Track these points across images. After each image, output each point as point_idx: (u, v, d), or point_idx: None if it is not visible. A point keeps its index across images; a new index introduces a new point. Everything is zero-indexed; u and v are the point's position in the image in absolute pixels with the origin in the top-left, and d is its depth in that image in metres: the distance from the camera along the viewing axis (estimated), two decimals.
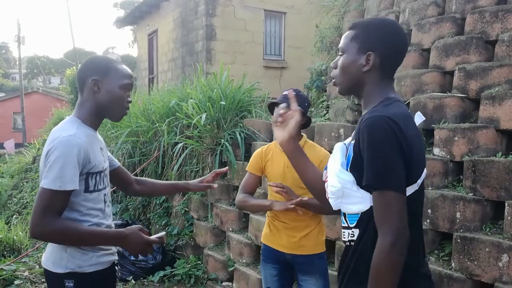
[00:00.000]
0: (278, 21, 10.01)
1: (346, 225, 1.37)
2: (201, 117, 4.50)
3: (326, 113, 4.55)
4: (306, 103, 2.35)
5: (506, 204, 2.45)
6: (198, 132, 4.65)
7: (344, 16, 5.56)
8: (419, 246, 1.32)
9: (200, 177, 4.74)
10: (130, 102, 1.79)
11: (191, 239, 4.69)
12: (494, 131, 2.80)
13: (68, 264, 1.63)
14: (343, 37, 1.41)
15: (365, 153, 1.22)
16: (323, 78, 5.24)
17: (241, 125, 4.65)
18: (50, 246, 1.71)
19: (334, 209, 1.39)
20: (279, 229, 2.36)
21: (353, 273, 1.32)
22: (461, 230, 2.59)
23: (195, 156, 4.82)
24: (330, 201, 1.37)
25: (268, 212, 2.43)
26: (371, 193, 1.25)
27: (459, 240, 2.53)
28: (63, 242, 1.61)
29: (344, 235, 1.39)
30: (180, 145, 4.78)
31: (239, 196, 2.42)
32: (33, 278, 4.22)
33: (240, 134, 4.44)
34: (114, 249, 1.80)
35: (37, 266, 4.53)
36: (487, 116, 2.89)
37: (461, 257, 2.50)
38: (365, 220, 1.29)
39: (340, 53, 1.41)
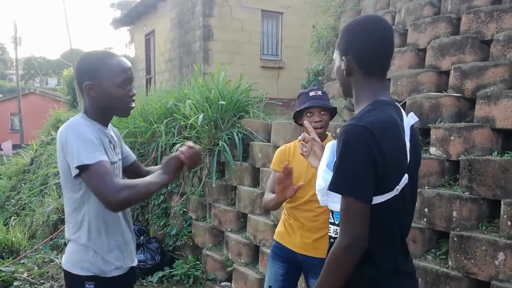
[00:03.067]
0: (275, 21, 10.02)
1: (332, 221, 1.44)
2: (198, 118, 4.51)
3: None
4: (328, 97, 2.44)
5: (502, 203, 2.47)
6: (196, 132, 4.66)
7: (340, 16, 5.58)
8: (396, 247, 1.36)
9: (199, 177, 4.80)
10: (134, 95, 1.74)
11: (190, 240, 4.70)
12: (489, 130, 2.82)
13: (90, 267, 1.63)
14: None
15: (337, 159, 1.29)
16: (320, 78, 5.26)
17: (239, 126, 4.67)
18: (71, 248, 1.68)
19: (321, 205, 1.45)
20: (294, 228, 2.34)
21: None
22: (458, 229, 2.61)
23: None
24: (318, 197, 1.44)
25: (284, 210, 2.41)
26: None
27: (455, 239, 2.55)
28: (138, 198, 1.57)
29: (330, 230, 1.46)
30: (178, 145, 4.78)
31: (264, 197, 2.35)
32: (32, 280, 4.22)
33: (237, 135, 4.45)
34: (134, 253, 1.82)
35: (36, 268, 4.54)
36: (483, 116, 2.91)
37: (458, 255, 2.52)
38: None
39: None
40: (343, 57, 1.39)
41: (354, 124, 1.26)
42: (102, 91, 1.63)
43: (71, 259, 1.66)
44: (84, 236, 1.64)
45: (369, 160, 1.23)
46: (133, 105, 1.73)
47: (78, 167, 1.50)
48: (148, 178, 1.62)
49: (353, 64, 1.37)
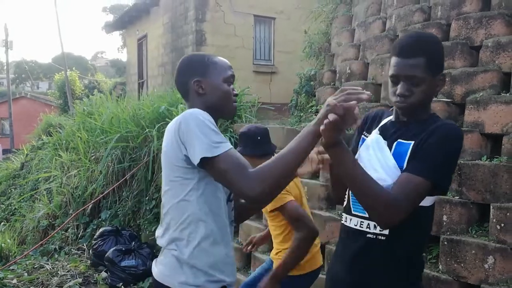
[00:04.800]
0: (268, 26, 10.06)
1: (367, 215, 1.43)
2: None
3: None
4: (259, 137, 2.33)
5: (491, 207, 2.50)
6: None
7: (332, 22, 5.63)
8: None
9: None
10: (237, 95, 1.64)
11: None
12: (479, 135, 2.85)
13: (188, 279, 1.46)
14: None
15: (440, 148, 1.34)
16: (312, 83, 5.28)
17: (231, 130, 4.67)
18: (164, 260, 1.52)
19: None
20: None
21: (387, 270, 1.42)
22: (448, 233, 2.63)
23: None
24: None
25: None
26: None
27: (446, 243, 2.57)
28: (279, 182, 1.33)
29: (362, 225, 1.46)
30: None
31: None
32: (22, 286, 4.17)
33: (230, 139, 4.45)
34: (226, 272, 1.53)
35: (26, 274, 4.49)
36: (472, 121, 2.95)
37: (448, 259, 2.54)
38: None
39: None
40: (441, 75, 1.43)
41: (456, 125, 1.42)
42: (211, 87, 1.54)
43: (165, 271, 1.48)
44: (193, 243, 1.46)
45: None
46: (236, 106, 1.63)
47: (205, 158, 1.33)
48: (281, 152, 1.34)
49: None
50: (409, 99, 1.39)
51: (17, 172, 10.75)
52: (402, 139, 1.43)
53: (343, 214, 1.59)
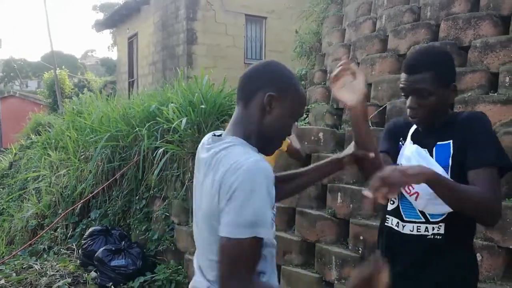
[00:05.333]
0: (259, 25, 10.07)
1: (423, 220, 1.51)
2: (181, 122, 4.49)
3: (306, 117, 4.60)
4: None
5: None
6: (179, 136, 4.63)
7: (323, 22, 5.65)
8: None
9: (181, 181, 4.77)
10: (289, 135, 1.36)
11: (172, 244, 4.66)
12: None
13: None
14: None
15: (486, 136, 1.43)
16: (303, 82, 5.30)
17: (222, 129, 4.66)
18: None
19: (420, 209, 1.51)
20: None
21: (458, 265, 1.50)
22: None
23: (176, 160, 4.81)
24: (419, 202, 1.49)
25: None
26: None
27: None
28: None
29: (420, 229, 1.52)
30: (160, 149, 4.75)
31: None
32: (10, 286, 4.13)
33: None
34: None
35: (14, 274, 4.44)
36: None
37: None
38: (453, 215, 1.44)
39: None
40: (452, 85, 1.49)
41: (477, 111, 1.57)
42: (278, 112, 1.24)
43: None
44: None
45: None
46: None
47: (226, 238, 1.10)
48: None
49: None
50: (419, 111, 1.49)
51: (5, 172, 10.63)
52: (440, 141, 1.51)
53: (389, 217, 1.61)
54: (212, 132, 1.31)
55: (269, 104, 1.23)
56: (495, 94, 2.95)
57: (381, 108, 3.58)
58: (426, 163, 1.45)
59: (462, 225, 1.47)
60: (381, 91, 3.72)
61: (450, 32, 3.57)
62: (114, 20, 13.14)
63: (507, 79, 2.93)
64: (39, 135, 9.42)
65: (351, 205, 3.10)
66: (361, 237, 2.92)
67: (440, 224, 1.48)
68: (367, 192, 1.24)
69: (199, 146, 1.32)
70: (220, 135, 1.30)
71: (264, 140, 1.27)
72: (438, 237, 1.49)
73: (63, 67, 19.46)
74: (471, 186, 1.36)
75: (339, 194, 3.19)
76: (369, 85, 4.04)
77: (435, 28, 3.78)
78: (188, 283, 4.75)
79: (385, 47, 4.16)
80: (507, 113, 2.78)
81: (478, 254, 2.38)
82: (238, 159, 1.12)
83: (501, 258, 2.39)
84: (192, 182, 4.45)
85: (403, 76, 1.51)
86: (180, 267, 4.43)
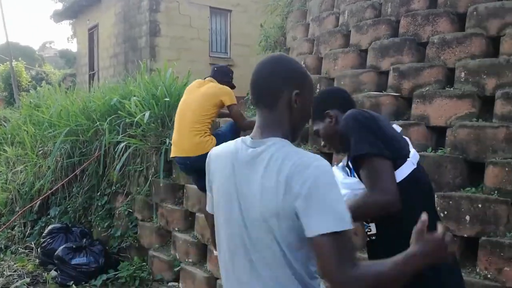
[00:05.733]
0: (224, 18, 10.00)
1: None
2: (144, 115, 4.41)
3: None
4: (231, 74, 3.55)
5: (435, 196, 2.62)
6: (142, 130, 4.55)
7: (287, 16, 5.67)
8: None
9: (145, 177, 4.69)
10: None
11: (135, 241, 4.58)
12: (424, 128, 2.98)
13: None
14: None
15: (353, 137, 1.53)
16: None
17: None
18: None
19: None
20: None
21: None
22: None
23: (139, 155, 4.72)
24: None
25: None
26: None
27: None
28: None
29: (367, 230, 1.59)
30: (122, 144, 4.65)
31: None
32: None
33: None
34: None
35: None
36: (419, 114, 3.07)
37: None
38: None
39: None
40: (325, 114, 1.67)
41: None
42: (303, 101, 1.28)
43: None
44: None
45: None
46: None
47: (324, 234, 1.10)
48: (391, 260, 1.13)
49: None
50: (325, 143, 1.81)
51: None
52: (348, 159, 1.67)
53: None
54: (240, 138, 1.31)
55: (295, 102, 1.26)
56: (451, 88, 3.06)
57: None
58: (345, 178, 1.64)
59: (390, 223, 1.48)
60: (343, 85, 3.78)
61: (410, 28, 3.67)
62: (73, 11, 12.70)
63: (463, 74, 3.04)
64: None
65: None
66: None
67: (371, 223, 1.55)
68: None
69: (232, 150, 1.30)
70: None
71: (296, 133, 1.32)
72: (373, 237, 1.56)
73: (19, 59, 18.66)
74: (362, 194, 1.48)
75: None
76: (331, 79, 4.10)
77: (395, 24, 3.87)
78: (153, 279, 4.66)
79: (348, 42, 4.22)
80: (462, 107, 2.89)
81: None
82: (302, 158, 1.16)
83: (457, 246, 2.49)
84: (156, 177, 4.33)
85: None
86: (144, 263, 4.37)
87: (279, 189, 1.14)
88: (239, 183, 1.23)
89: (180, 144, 3.31)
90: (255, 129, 1.29)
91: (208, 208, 1.41)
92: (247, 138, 1.28)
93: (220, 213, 1.30)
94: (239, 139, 1.31)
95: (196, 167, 3.23)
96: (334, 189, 1.13)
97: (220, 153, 1.33)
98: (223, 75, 3.55)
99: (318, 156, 1.19)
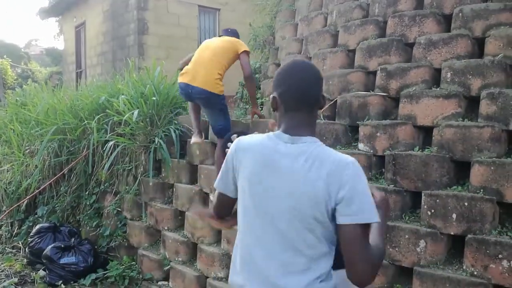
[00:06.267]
0: (212, 17, 9.98)
1: None
2: (133, 114, 4.39)
3: (261, 110, 4.64)
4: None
5: (422, 194, 2.67)
6: (130, 129, 4.53)
7: (276, 16, 5.69)
8: None
9: (134, 176, 4.67)
10: None
11: (125, 240, 4.57)
12: (412, 127, 3.03)
13: None
14: None
15: None
16: (257, 75, 5.32)
17: (176, 122, 4.60)
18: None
19: None
20: None
21: None
22: None
23: (127, 154, 4.70)
24: None
25: None
26: None
27: None
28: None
29: None
30: (111, 143, 4.63)
31: None
32: None
33: (174, 131, 4.39)
34: None
35: None
36: (406, 114, 3.12)
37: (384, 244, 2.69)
38: None
39: None
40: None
41: None
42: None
43: None
44: None
45: None
46: None
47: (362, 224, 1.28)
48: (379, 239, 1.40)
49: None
50: None
51: None
52: None
53: None
54: (274, 133, 1.42)
55: (323, 103, 1.45)
56: (438, 89, 3.12)
57: (332, 102, 3.68)
58: None
59: None
60: (331, 85, 3.82)
61: (397, 29, 3.72)
62: (60, 8, 12.55)
63: (449, 74, 3.09)
64: None
65: None
66: None
67: None
68: None
69: (267, 143, 1.41)
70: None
71: None
72: None
73: (4, 56, 18.38)
74: None
75: None
76: None
77: (383, 25, 3.91)
78: (142, 278, 4.67)
79: (336, 42, 4.26)
80: (448, 107, 2.95)
81: (422, 241, 2.54)
82: (339, 156, 1.33)
83: (443, 244, 2.55)
84: (145, 176, 4.33)
85: None
86: (133, 262, 4.36)
87: (322, 182, 1.28)
88: (279, 172, 1.34)
89: (194, 73, 3.59)
90: (287, 128, 1.39)
91: (218, 186, 1.56)
92: (282, 134, 1.39)
93: (252, 196, 1.40)
94: (270, 134, 1.43)
95: (198, 98, 3.63)
96: (367, 185, 1.31)
97: (251, 145, 1.44)
98: (233, 35, 4.01)
99: (347, 155, 1.36)
